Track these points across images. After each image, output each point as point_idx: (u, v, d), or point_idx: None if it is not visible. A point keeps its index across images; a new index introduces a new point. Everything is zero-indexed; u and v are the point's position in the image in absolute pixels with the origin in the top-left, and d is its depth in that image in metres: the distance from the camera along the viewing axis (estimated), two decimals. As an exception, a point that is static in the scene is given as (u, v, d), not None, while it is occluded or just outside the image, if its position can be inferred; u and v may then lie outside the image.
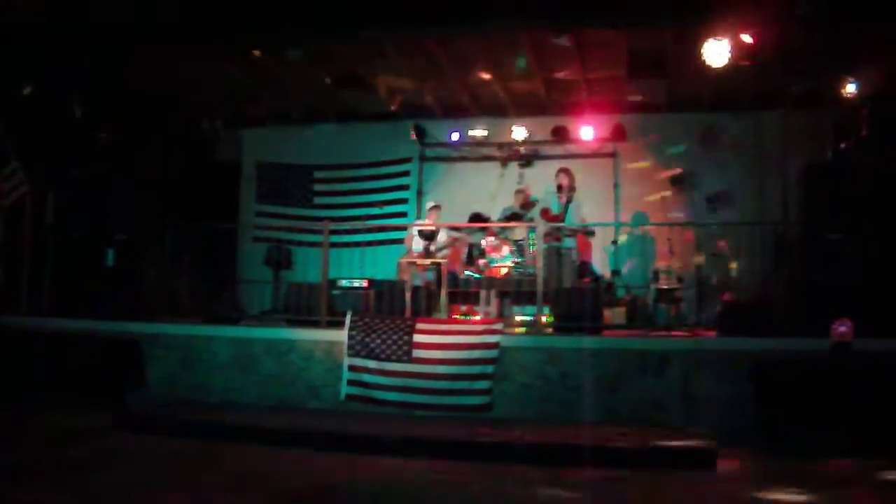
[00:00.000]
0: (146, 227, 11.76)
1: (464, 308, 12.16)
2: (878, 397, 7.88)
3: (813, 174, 10.63)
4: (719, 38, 10.50)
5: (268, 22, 10.80)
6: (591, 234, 12.72)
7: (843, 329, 8.35)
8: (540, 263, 10.55)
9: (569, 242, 11.98)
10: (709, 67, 10.84)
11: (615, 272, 13.16)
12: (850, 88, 11.17)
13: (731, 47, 10.53)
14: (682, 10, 10.18)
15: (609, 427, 8.44)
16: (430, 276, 11.89)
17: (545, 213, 12.07)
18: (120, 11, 10.73)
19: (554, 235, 11.62)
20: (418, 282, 11.68)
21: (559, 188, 12.10)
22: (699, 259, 12.22)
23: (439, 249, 12.00)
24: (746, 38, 10.53)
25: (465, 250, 12.76)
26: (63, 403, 9.19)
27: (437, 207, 12.87)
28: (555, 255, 11.53)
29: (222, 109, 15.64)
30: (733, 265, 12.21)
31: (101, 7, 10.68)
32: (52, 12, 10.77)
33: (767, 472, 7.46)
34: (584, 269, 12.58)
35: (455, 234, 12.96)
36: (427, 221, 12.55)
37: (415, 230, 12.14)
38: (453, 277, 11.75)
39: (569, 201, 12.07)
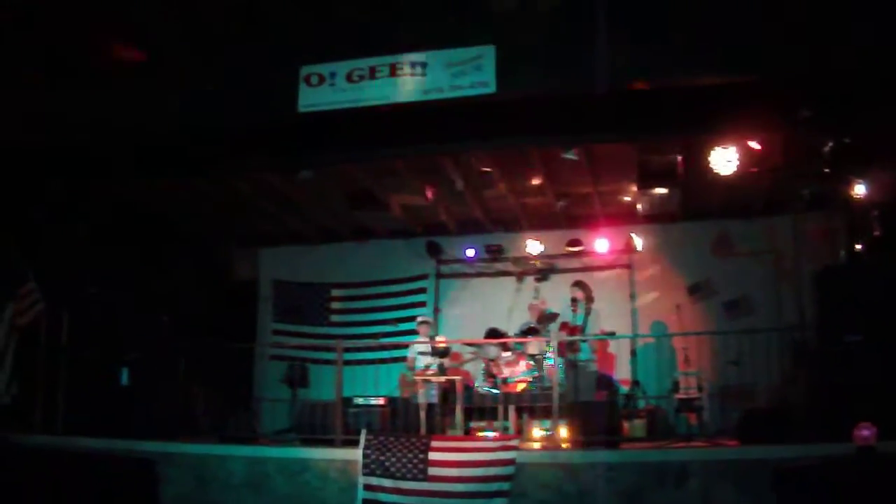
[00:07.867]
0: (161, 346, 11.74)
1: (482, 424, 11.99)
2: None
3: (828, 277, 10.53)
4: (726, 146, 10.57)
5: (277, 143, 10.94)
6: (612, 334, 12.64)
7: (866, 433, 8.12)
8: (556, 377, 10.45)
9: (587, 355, 11.91)
10: (718, 176, 10.89)
11: (635, 383, 12.98)
12: (860, 190, 11.11)
13: (739, 155, 10.59)
14: (687, 121, 10.21)
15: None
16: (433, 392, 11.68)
17: (564, 326, 12.05)
18: (127, 134, 10.90)
19: (571, 349, 11.56)
20: (433, 399, 11.52)
21: (574, 301, 12.10)
22: (719, 367, 12.06)
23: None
24: (753, 146, 10.61)
25: (482, 366, 12.60)
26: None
27: (425, 323, 12.87)
28: (571, 369, 11.44)
29: (235, 229, 15.78)
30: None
31: (106, 132, 10.85)
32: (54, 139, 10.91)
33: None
34: (603, 381, 12.44)
35: (472, 351, 12.87)
36: (422, 339, 12.50)
37: (418, 347, 12.09)
38: (469, 393, 11.61)
39: (587, 314, 12.07)
